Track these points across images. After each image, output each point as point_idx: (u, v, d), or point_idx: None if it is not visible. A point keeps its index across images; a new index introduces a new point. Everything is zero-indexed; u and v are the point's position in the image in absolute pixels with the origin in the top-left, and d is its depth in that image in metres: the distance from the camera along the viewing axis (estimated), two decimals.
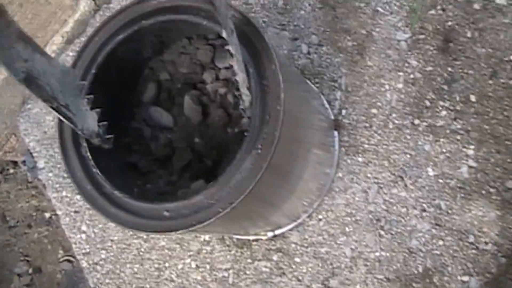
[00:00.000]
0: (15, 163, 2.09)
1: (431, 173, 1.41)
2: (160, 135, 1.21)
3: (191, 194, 0.98)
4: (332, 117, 1.49)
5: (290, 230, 1.47)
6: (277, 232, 1.46)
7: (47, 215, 2.06)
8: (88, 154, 1.05)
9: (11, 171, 2.12)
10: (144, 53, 1.17)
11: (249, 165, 0.95)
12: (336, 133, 1.48)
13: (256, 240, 1.49)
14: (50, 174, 1.78)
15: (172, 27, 1.09)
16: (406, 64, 1.49)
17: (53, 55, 1.84)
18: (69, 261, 1.95)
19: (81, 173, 1.05)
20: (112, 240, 1.65)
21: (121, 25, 1.09)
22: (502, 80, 1.42)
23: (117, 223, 1.02)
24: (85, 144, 1.05)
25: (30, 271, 2.05)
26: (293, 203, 1.37)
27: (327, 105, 1.49)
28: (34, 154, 1.83)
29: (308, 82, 1.51)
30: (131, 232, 1.63)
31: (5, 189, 2.10)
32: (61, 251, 1.99)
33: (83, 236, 1.69)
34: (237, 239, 1.51)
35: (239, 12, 1.02)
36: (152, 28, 1.09)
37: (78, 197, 1.72)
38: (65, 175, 1.75)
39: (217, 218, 0.95)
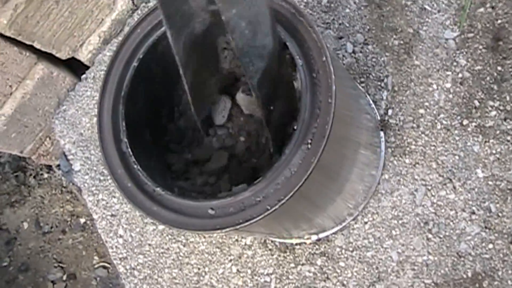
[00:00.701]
0: (49, 167, 2.18)
1: (480, 174, 1.47)
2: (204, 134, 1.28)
3: (237, 191, 1.03)
4: (379, 117, 1.55)
5: (335, 233, 1.53)
6: (321, 235, 1.53)
7: (82, 220, 2.15)
8: (129, 150, 1.11)
9: (46, 175, 2.22)
10: None
11: (298, 161, 1.00)
12: (382, 133, 1.54)
13: (299, 244, 1.56)
14: (86, 177, 1.86)
15: (217, 20, 1.12)
16: (455, 63, 1.55)
17: (89, 55, 1.94)
18: (104, 267, 2.04)
19: (121, 170, 1.11)
20: (150, 245, 1.73)
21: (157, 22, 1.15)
22: None
23: (159, 221, 1.07)
24: (126, 140, 1.11)
25: (65, 277, 2.14)
26: (339, 205, 1.43)
27: (373, 105, 1.56)
28: (70, 157, 1.91)
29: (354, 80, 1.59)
30: (169, 236, 1.71)
31: (39, 194, 2.20)
32: (96, 257, 2.08)
33: (120, 240, 1.77)
34: (280, 242, 1.58)
35: (287, 1, 1.09)
36: None
37: (115, 200, 1.81)
38: (102, 177, 1.84)
39: (265, 216, 0.99)
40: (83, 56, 1.93)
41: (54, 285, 2.14)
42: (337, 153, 1.21)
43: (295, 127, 1.02)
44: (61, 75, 1.90)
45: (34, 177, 2.24)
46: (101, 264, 2.07)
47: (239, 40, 0.95)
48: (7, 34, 1.67)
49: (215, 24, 1.09)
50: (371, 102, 1.57)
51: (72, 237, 2.15)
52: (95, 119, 1.82)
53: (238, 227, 1.00)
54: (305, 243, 1.56)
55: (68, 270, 2.13)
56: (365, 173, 1.46)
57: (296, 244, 1.56)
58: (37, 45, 1.77)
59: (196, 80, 1.10)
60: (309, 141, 1.00)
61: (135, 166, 1.10)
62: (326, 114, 1.00)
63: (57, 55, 1.86)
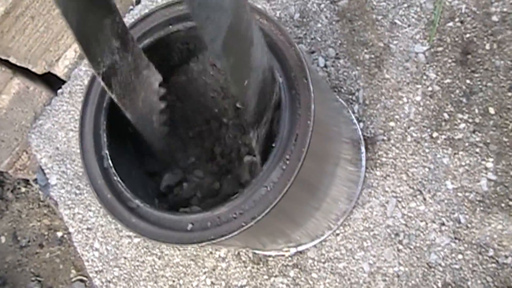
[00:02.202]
0: (26, 181, 2.18)
1: (450, 186, 1.48)
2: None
3: (215, 206, 1.03)
4: (360, 131, 1.57)
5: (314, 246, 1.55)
6: (300, 248, 1.54)
7: (59, 234, 2.15)
8: (110, 161, 1.11)
9: (23, 189, 2.21)
10: (171, 60, 1.24)
11: (275, 178, 1.00)
12: (363, 148, 1.56)
13: (273, 256, 1.57)
14: (62, 191, 1.86)
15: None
16: (424, 77, 1.57)
17: (65, 69, 1.94)
18: (81, 281, 2.04)
19: (101, 181, 1.11)
20: (125, 258, 1.73)
21: (148, 29, 1.16)
22: None
23: (138, 233, 1.07)
24: (106, 152, 1.12)
25: None
26: (318, 221, 1.43)
27: (354, 118, 1.58)
28: (46, 171, 1.91)
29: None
30: (144, 249, 1.71)
31: (17, 208, 2.19)
32: (73, 271, 2.07)
33: (96, 253, 1.77)
34: (254, 254, 1.59)
35: (267, 17, 1.09)
36: (179, 35, 1.15)
37: (91, 214, 1.81)
38: (77, 191, 1.84)
39: (240, 233, 1.00)
40: (59, 70, 1.94)
41: None
42: (316, 168, 1.22)
43: (273, 144, 1.02)
44: (37, 89, 1.90)
45: (12, 191, 2.24)
46: (78, 277, 2.06)
47: None
48: None
49: None
50: (352, 115, 1.58)
51: (50, 250, 2.14)
52: (71, 133, 1.84)
53: (213, 241, 1.01)
54: (283, 255, 1.57)
55: (46, 284, 2.12)
56: (345, 188, 1.46)
57: (269, 256, 1.57)
58: (12, 60, 1.78)
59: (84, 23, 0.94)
60: (287, 158, 1.00)
61: (115, 178, 1.11)
62: (305, 133, 1.01)
63: (33, 69, 1.87)
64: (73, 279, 2.07)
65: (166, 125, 1.21)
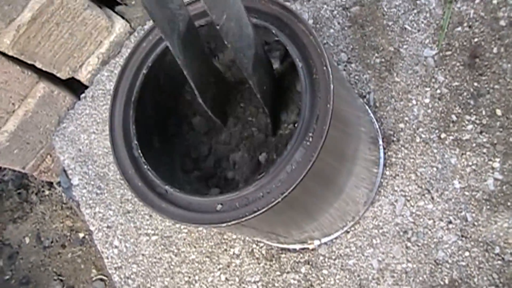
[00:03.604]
0: (50, 184, 2.25)
1: (457, 185, 1.52)
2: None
3: (242, 186, 1.09)
4: (379, 132, 1.62)
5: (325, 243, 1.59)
6: (324, 240, 1.59)
7: (81, 235, 2.21)
8: (139, 151, 1.17)
9: (47, 192, 2.28)
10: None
11: (299, 157, 1.05)
12: (382, 150, 1.60)
13: (285, 253, 1.62)
14: (84, 191, 1.93)
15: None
16: (433, 80, 1.61)
17: (88, 75, 2.01)
18: (101, 279, 2.09)
19: (132, 170, 1.17)
20: (143, 255, 1.79)
21: None
22: None
23: (168, 217, 1.13)
24: (136, 143, 1.18)
25: None
26: (332, 217, 1.47)
27: (373, 118, 1.62)
28: (69, 172, 1.98)
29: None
30: (162, 246, 1.77)
31: (41, 210, 2.26)
32: (94, 270, 2.13)
33: (115, 250, 1.83)
34: (267, 251, 1.64)
35: (285, 7, 1.15)
36: (202, 30, 1.21)
37: (111, 212, 1.87)
38: (98, 191, 1.90)
39: (268, 209, 1.04)
40: (83, 76, 2.01)
41: None
42: (336, 158, 1.25)
43: (296, 125, 1.07)
44: (61, 94, 1.97)
45: (36, 194, 2.31)
46: (99, 277, 2.12)
47: (232, 38, 1.03)
48: (10, 53, 1.74)
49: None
50: (372, 116, 1.63)
51: (71, 251, 2.20)
52: (93, 135, 1.90)
53: (243, 219, 1.05)
54: (308, 248, 1.61)
55: (67, 283, 2.18)
56: (360, 187, 1.50)
57: (282, 253, 1.62)
58: (38, 65, 1.85)
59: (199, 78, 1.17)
60: (310, 136, 1.06)
61: (145, 167, 1.17)
62: (325, 112, 1.06)
63: (58, 74, 1.93)
64: (93, 278, 2.13)
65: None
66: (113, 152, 1.20)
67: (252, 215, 1.04)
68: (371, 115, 1.63)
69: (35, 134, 1.98)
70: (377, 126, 1.61)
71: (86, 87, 2.04)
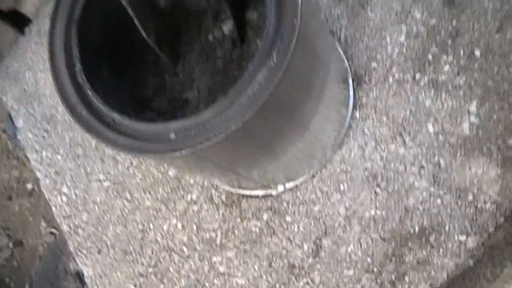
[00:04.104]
0: None
1: (431, 129, 1.50)
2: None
3: (198, 111, 1.03)
4: (348, 67, 1.59)
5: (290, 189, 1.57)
6: (274, 191, 1.56)
7: (29, 186, 2.16)
8: (83, 77, 1.11)
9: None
10: None
11: (261, 79, 1.00)
12: (352, 88, 1.57)
13: (246, 198, 1.59)
14: (30, 134, 1.87)
15: None
16: (410, 17, 1.58)
17: (33, 8, 1.94)
18: (52, 233, 2.05)
19: (75, 98, 1.10)
20: (94, 202, 1.75)
21: None
22: (508, 35, 1.50)
23: (117, 148, 1.07)
24: (80, 67, 1.11)
25: (11, 244, 2.14)
26: (297, 159, 1.45)
27: (343, 56, 1.60)
28: (13, 114, 1.92)
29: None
30: (114, 193, 1.73)
31: None
32: (43, 223, 2.09)
33: (64, 198, 1.79)
34: (226, 196, 1.61)
35: None
36: None
37: (59, 157, 1.82)
38: (45, 135, 1.85)
39: (227, 136, 0.99)
40: (27, 8, 1.93)
41: (0, 252, 2.14)
42: (301, 86, 1.21)
43: (258, 43, 1.02)
44: (3, 28, 1.90)
45: None
46: (49, 230, 2.08)
47: None
48: None
49: None
50: (342, 54, 1.60)
51: (19, 203, 2.16)
52: (39, 74, 1.85)
53: (198, 147, 1.00)
54: (271, 194, 1.59)
55: (15, 237, 2.14)
56: (328, 125, 1.48)
57: (243, 198, 1.59)
58: None
59: None
60: (273, 58, 1.00)
61: (90, 93, 1.10)
62: (291, 33, 1.00)
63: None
64: (43, 232, 2.08)
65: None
66: (53, 77, 1.13)
67: (209, 142, 1.00)
68: (342, 54, 1.59)
69: None
70: (348, 65, 1.58)
71: (31, 20, 1.97)
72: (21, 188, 2.19)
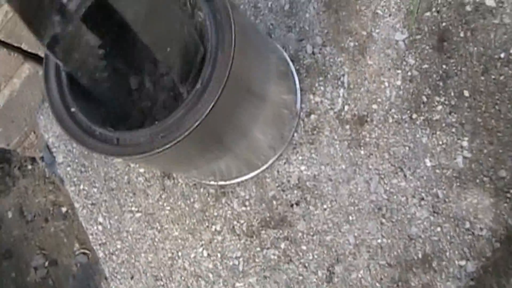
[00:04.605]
0: (33, 159, 2.13)
1: (428, 164, 1.46)
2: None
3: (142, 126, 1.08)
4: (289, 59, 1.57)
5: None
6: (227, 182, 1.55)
7: (64, 209, 2.11)
8: (74, 103, 1.11)
9: (29, 167, 2.16)
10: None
11: (188, 125, 1.01)
12: (296, 77, 1.56)
13: (265, 229, 1.54)
14: (68, 169, 1.82)
15: None
16: (404, 63, 1.54)
17: None
18: (84, 253, 2.00)
19: (69, 121, 1.12)
20: (127, 231, 1.70)
21: None
22: (493, 76, 1.46)
23: (74, 139, 1.10)
24: (71, 99, 1.11)
25: (46, 264, 2.09)
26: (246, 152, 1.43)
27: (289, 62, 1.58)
28: (53, 150, 1.87)
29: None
30: (145, 223, 1.68)
31: (23, 184, 2.15)
32: (77, 244, 2.04)
33: (100, 227, 1.74)
34: (247, 228, 1.56)
35: None
36: None
37: (95, 190, 1.77)
38: (83, 169, 1.80)
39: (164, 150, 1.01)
40: None
41: (36, 271, 2.09)
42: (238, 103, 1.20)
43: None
44: None
45: (19, 168, 2.19)
46: (82, 250, 2.02)
47: None
48: None
49: None
50: (284, 54, 1.59)
51: (54, 225, 2.10)
52: None
53: (138, 156, 1.04)
54: (210, 184, 1.58)
55: (50, 257, 2.08)
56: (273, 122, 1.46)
57: (261, 229, 1.54)
58: (24, 47, 1.74)
59: None
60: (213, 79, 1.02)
61: (80, 114, 1.11)
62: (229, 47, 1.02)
63: (43, 55, 1.82)
64: (76, 252, 2.03)
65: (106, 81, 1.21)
66: (51, 107, 1.15)
67: (149, 153, 1.03)
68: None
69: (20, 113, 1.88)
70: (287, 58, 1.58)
71: None
72: (56, 211, 2.13)
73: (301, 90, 1.58)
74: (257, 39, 1.33)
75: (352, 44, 1.59)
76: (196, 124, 1.01)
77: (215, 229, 1.60)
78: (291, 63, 1.59)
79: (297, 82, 1.58)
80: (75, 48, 1.07)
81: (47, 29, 0.97)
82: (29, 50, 1.77)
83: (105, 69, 1.18)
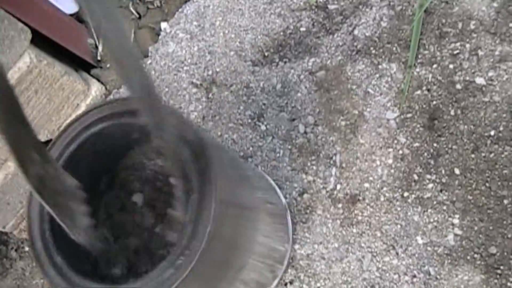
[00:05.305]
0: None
1: (420, 241, 1.61)
2: None
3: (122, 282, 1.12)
4: (285, 202, 1.71)
5: None
6: None
7: None
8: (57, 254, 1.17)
9: (26, 248, 2.33)
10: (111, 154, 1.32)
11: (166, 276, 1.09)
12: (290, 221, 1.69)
13: None
14: None
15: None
16: (395, 141, 1.71)
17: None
18: None
19: (41, 243, 1.17)
20: None
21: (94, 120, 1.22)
22: (483, 154, 1.63)
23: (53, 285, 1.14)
24: (54, 249, 1.17)
25: None
26: None
27: (282, 197, 1.72)
28: None
29: (267, 177, 1.74)
30: None
31: (21, 266, 2.30)
32: None
33: None
34: None
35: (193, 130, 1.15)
36: (110, 130, 1.22)
37: None
38: None
39: None
40: None
41: None
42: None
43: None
44: None
45: (16, 250, 2.35)
46: None
47: None
48: None
49: None
50: (281, 196, 1.72)
51: None
52: None
53: None
54: None
55: None
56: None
57: None
58: None
59: None
60: (188, 252, 1.10)
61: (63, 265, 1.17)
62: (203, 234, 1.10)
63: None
64: None
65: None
66: (35, 259, 1.18)
67: None
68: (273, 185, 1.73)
69: (15, 195, 2.03)
70: (289, 217, 1.71)
71: None
72: None
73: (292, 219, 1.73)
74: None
75: (343, 123, 1.77)
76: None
77: None
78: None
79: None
80: (59, 191, 1.09)
81: (32, 168, 0.98)
82: None
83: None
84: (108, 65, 2.12)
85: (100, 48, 2.15)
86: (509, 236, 1.56)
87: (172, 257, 1.11)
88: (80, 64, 2.09)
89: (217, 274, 1.32)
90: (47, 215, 1.21)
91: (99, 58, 2.14)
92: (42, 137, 2.00)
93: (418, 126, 1.70)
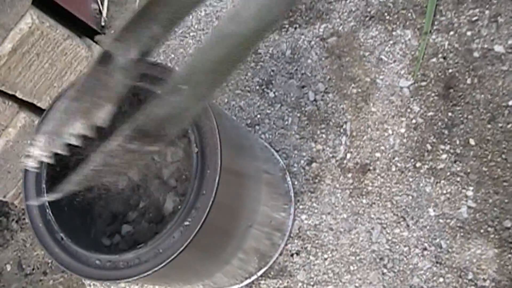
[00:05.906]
0: None
1: (432, 213, 1.63)
2: None
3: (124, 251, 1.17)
4: (292, 193, 1.75)
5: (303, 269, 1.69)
6: None
7: None
8: (59, 229, 1.23)
9: (27, 220, 2.36)
10: None
11: (178, 235, 1.14)
12: (292, 209, 1.73)
13: (265, 279, 1.71)
14: None
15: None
16: (409, 110, 1.72)
17: None
18: None
19: (37, 211, 1.26)
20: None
21: None
22: (500, 125, 1.64)
23: (55, 260, 1.21)
24: (56, 225, 1.23)
25: None
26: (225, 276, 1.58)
27: (283, 164, 1.75)
28: None
29: (269, 147, 1.78)
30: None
31: (22, 237, 2.34)
32: None
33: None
34: (245, 278, 1.74)
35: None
36: None
37: None
38: None
39: (144, 276, 1.14)
40: None
41: None
42: (219, 236, 1.35)
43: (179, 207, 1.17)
44: None
45: (17, 221, 2.38)
46: None
47: None
48: None
49: None
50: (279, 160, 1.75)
51: (53, 278, 2.27)
52: None
53: (118, 281, 1.15)
54: None
55: None
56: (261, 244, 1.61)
57: (261, 278, 1.71)
58: (19, 95, 1.92)
59: None
60: (189, 221, 1.14)
61: (49, 215, 1.24)
62: (207, 201, 1.14)
63: (38, 104, 2.00)
64: None
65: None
66: (36, 235, 1.27)
67: (129, 278, 1.14)
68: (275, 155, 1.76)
69: (16, 163, 2.05)
70: (289, 181, 1.75)
71: None
72: (54, 264, 2.30)
73: (294, 191, 1.78)
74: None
75: (355, 90, 1.78)
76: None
77: None
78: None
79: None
80: None
81: None
82: (24, 99, 1.94)
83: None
84: (112, 31, 2.13)
85: (104, 13, 2.16)
86: None
87: (173, 225, 1.14)
88: (83, 30, 2.10)
89: (218, 243, 1.36)
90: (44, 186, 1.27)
91: (103, 23, 2.16)
92: (44, 104, 2.02)
93: (433, 94, 1.71)
